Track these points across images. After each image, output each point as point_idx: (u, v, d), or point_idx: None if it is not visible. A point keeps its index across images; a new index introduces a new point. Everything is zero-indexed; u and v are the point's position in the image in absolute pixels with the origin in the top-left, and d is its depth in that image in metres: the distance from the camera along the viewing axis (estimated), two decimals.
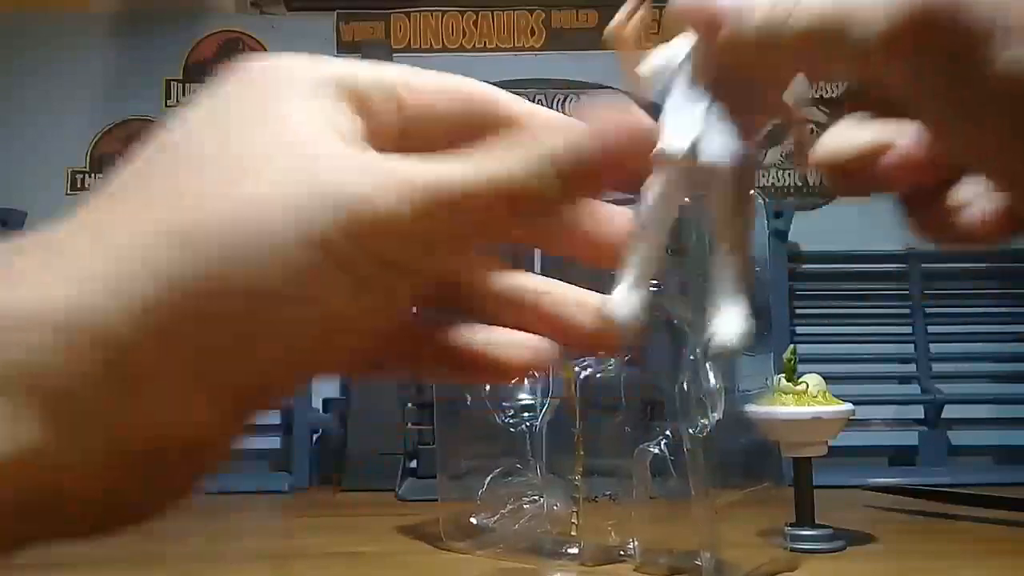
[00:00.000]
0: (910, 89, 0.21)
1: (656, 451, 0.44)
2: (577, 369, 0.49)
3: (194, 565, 0.51)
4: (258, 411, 0.24)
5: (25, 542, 0.22)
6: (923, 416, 0.82)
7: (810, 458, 0.53)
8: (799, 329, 0.84)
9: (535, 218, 0.24)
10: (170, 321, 0.20)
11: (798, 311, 0.84)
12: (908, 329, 0.84)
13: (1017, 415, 0.82)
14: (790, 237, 0.84)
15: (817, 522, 0.53)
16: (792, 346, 0.57)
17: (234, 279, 0.20)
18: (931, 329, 0.84)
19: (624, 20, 0.28)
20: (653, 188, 0.27)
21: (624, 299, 0.28)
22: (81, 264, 0.20)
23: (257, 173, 0.21)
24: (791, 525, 0.54)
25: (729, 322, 0.25)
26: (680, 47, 0.25)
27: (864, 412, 0.69)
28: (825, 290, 0.85)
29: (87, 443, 0.20)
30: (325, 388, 0.85)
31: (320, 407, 0.83)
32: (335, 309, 0.21)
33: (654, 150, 0.25)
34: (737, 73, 0.24)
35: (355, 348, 0.23)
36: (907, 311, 0.85)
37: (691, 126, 0.25)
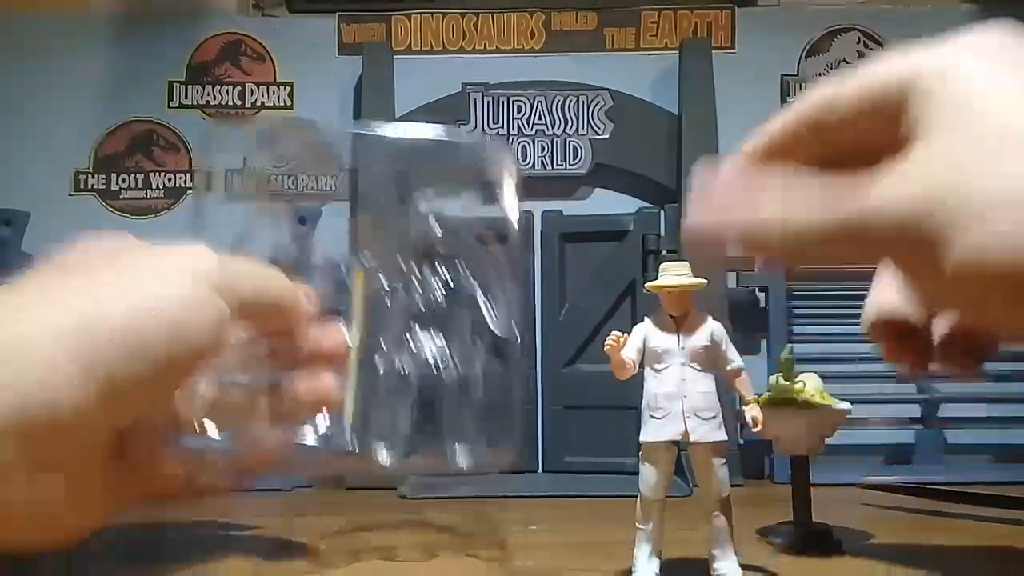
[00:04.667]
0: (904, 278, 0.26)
1: None
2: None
3: (196, 564, 0.51)
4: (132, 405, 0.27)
5: None
6: (919, 415, 0.83)
7: (807, 456, 0.54)
8: (796, 329, 0.84)
9: None
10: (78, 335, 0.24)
11: (795, 311, 0.85)
12: None
13: (1013, 414, 0.83)
14: None
15: (814, 520, 0.54)
16: (789, 346, 0.57)
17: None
18: None
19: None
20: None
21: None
22: None
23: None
24: (788, 523, 0.54)
25: None
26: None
27: (861, 411, 0.70)
28: (822, 290, 0.86)
29: None
30: None
31: None
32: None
33: None
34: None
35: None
36: None
37: None
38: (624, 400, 0.77)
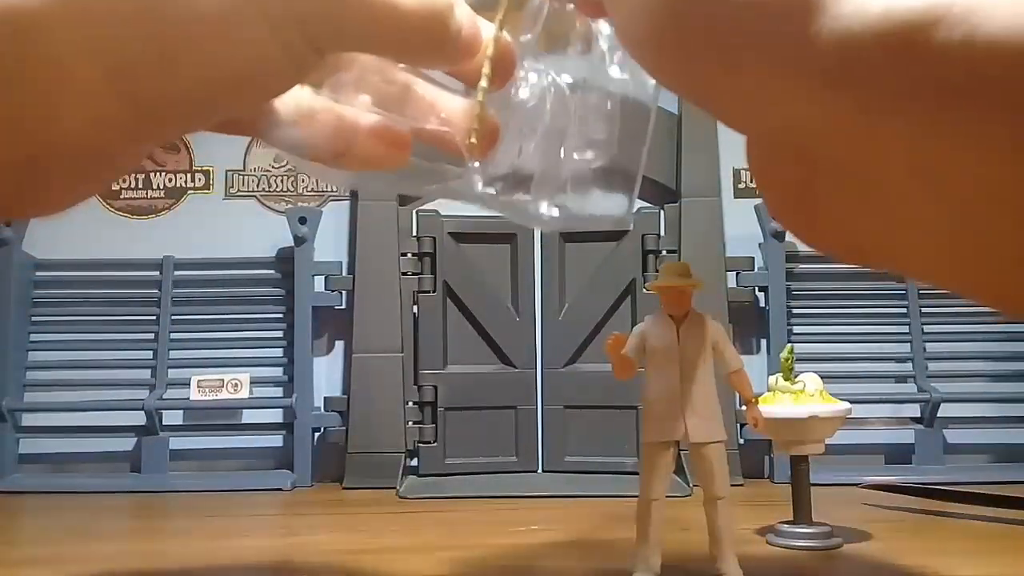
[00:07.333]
0: None
1: None
2: None
3: (196, 563, 0.51)
4: (168, 128, 0.23)
5: None
6: (919, 415, 0.83)
7: (807, 456, 0.54)
8: (796, 328, 0.84)
9: None
10: (85, 16, 0.19)
11: (795, 311, 0.85)
12: (904, 328, 0.85)
13: (1013, 414, 0.83)
14: (788, 237, 0.84)
15: (814, 520, 0.54)
16: (789, 345, 0.57)
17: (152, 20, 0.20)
18: (927, 328, 0.85)
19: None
20: None
21: None
22: None
23: None
24: (788, 523, 0.54)
25: None
26: None
27: (861, 411, 0.70)
28: (822, 290, 0.86)
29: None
30: (326, 387, 0.86)
31: (321, 406, 0.84)
32: (257, 63, 0.21)
33: None
34: None
35: (267, 94, 0.24)
36: (903, 310, 0.85)
37: None
38: (624, 400, 0.78)
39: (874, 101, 0.17)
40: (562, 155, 0.26)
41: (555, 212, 0.27)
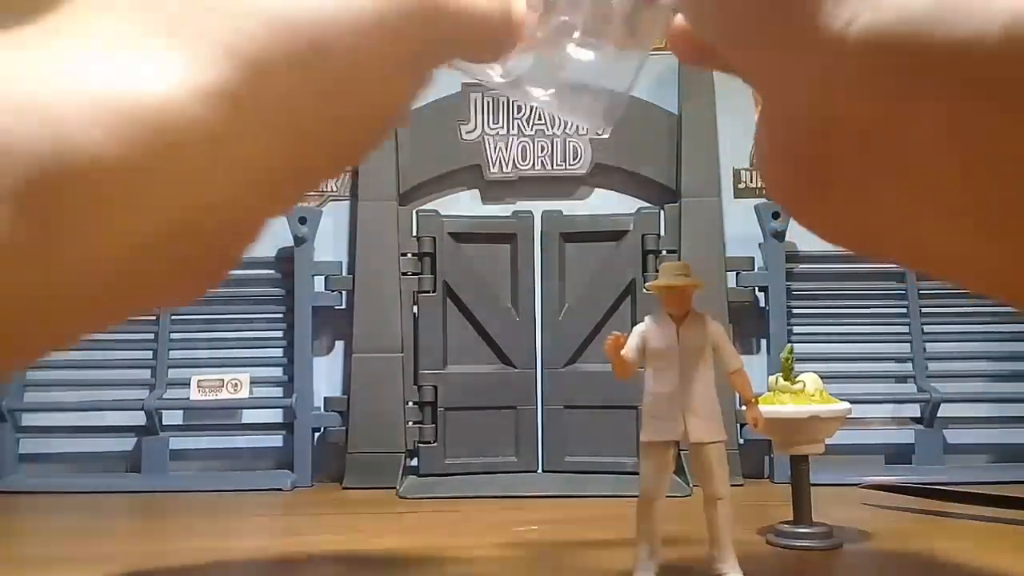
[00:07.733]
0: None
1: None
2: None
3: (196, 563, 0.51)
4: (323, 178, 0.25)
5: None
6: (919, 415, 0.83)
7: (807, 456, 0.54)
8: (796, 328, 0.84)
9: None
10: (245, 110, 0.19)
11: (795, 311, 0.85)
12: (905, 328, 0.85)
13: (1013, 414, 0.83)
14: (787, 237, 0.84)
15: (814, 520, 0.54)
16: (789, 345, 0.57)
17: (321, 73, 0.20)
18: (927, 328, 0.85)
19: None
20: None
21: None
22: (135, 37, 0.18)
23: None
24: (788, 523, 0.54)
25: None
26: None
27: (861, 411, 0.70)
28: (822, 290, 0.86)
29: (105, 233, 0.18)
30: (326, 387, 0.86)
31: (321, 406, 0.84)
32: (399, 97, 0.24)
33: None
34: None
35: (400, 121, 0.26)
36: (903, 310, 0.85)
37: None
38: (624, 400, 0.78)
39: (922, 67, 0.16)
40: (568, 50, 0.28)
41: (547, 97, 0.29)
